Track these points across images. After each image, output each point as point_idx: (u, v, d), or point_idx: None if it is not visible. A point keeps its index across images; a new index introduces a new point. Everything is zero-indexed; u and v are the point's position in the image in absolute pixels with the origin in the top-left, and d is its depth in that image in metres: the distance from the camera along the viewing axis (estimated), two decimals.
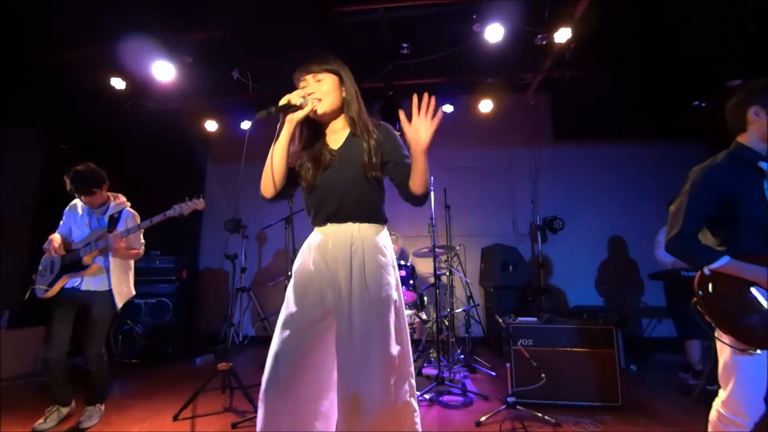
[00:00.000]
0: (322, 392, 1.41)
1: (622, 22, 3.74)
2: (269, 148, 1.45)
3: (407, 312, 3.95)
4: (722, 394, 1.48)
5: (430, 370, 3.61)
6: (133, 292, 2.75)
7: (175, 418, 2.60)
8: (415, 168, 1.37)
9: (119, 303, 2.60)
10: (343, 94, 1.50)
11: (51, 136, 4.65)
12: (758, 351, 1.37)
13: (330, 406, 1.42)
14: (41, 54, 3.86)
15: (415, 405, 1.39)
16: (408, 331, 1.46)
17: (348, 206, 1.45)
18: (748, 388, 1.41)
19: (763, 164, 1.48)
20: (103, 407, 2.64)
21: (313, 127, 1.54)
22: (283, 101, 1.39)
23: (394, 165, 1.47)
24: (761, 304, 1.40)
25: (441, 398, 2.93)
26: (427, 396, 2.93)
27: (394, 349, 1.34)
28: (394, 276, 1.46)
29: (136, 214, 2.73)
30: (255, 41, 3.76)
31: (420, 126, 1.33)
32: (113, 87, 4.17)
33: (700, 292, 1.47)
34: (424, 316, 4.19)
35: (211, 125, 5.21)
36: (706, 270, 1.47)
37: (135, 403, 2.99)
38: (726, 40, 3.72)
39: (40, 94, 4.39)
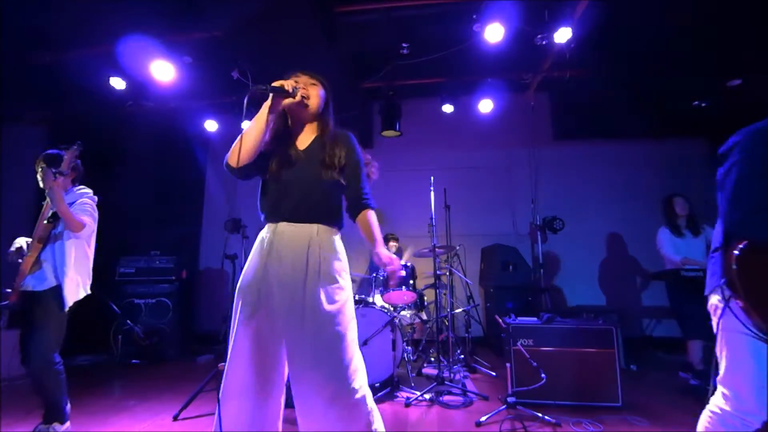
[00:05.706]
0: (278, 392, 1.46)
1: (622, 22, 3.74)
2: None
3: (407, 312, 3.96)
4: (725, 391, 1.36)
5: (430, 370, 3.61)
6: (88, 291, 2.29)
7: (175, 418, 2.60)
8: (368, 236, 1.56)
9: (69, 302, 2.17)
10: (323, 104, 1.61)
11: (51, 136, 4.65)
12: None
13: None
14: (41, 54, 3.86)
15: (370, 404, 1.40)
16: (356, 336, 1.46)
17: (308, 206, 1.48)
18: (760, 380, 1.27)
19: None
20: (63, 428, 2.17)
21: (286, 124, 1.62)
22: (276, 84, 1.46)
23: (350, 178, 1.55)
24: None
25: (441, 398, 2.92)
26: (427, 396, 2.93)
27: (346, 353, 1.38)
28: (347, 281, 1.49)
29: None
30: (255, 41, 3.76)
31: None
32: (113, 87, 4.17)
33: (738, 269, 1.30)
34: (424, 316, 4.19)
35: (211, 125, 5.21)
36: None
37: (135, 403, 2.99)
38: (726, 40, 3.72)
39: (40, 94, 4.38)
